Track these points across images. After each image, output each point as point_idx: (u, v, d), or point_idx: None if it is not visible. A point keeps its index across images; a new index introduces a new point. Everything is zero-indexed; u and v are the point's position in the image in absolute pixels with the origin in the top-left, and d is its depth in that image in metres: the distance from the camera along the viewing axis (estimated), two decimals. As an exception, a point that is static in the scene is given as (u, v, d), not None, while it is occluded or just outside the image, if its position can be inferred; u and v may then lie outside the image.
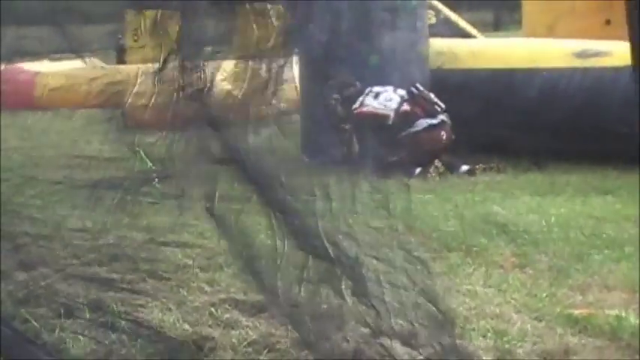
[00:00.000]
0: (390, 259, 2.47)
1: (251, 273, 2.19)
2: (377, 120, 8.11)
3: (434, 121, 8.07)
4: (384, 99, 8.18)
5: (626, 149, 7.45)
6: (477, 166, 7.91)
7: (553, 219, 5.78)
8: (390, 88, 8.25)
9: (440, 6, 14.70)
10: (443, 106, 8.15)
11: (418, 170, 7.79)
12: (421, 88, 8.24)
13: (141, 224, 5.75)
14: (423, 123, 8.05)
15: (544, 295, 4.30)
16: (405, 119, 8.08)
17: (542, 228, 5.56)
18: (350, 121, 8.23)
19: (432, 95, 8.22)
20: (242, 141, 2.08)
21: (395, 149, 8.02)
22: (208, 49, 2.49)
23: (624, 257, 4.88)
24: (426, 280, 2.49)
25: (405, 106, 8.11)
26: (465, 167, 7.90)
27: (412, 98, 8.15)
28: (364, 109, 8.20)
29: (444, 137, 8.05)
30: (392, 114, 8.09)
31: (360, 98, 8.23)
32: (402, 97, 8.17)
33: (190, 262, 4.91)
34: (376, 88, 8.26)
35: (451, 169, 7.88)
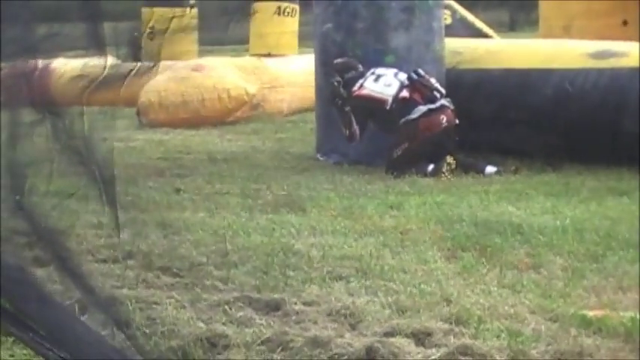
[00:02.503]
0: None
1: (66, 272, 2.13)
2: (374, 104, 8.09)
3: (433, 106, 8.01)
4: (384, 83, 8.14)
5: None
6: (512, 168, 7.78)
7: (568, 220, 5.77)
8: (391, 72, 8.21)
9: (456, 6, 14.68)
10: (443, 91, 8.10)
11: (431, 167, 7.75)
12: (422, 73, 8.15)
13: (155, 221, 5.78)
14: (421, 109, 8.00)
15: (558, 296, 4.29)
16: (403, 106, 8.02)
17: (556, 229, 5.54)
18: (349, 102, 8.22)
19: (432, 80, 8.16)
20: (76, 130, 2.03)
21: (397, 139, 7.99)
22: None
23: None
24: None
25: (404, 93, 8.05)
26: (491, 169, 7.79)
27: (411, 84, 8.08)
28: (363, 91, 8.17)
29: (444, 121, 7.96)
30: (390, 99, 8.05)
31: (361, 80, 8.22)
32: (401, 82, 8.11)
33: (205, 259, 4.92)
34: (378, 70, 8.23)
35: (470, 169, 7.77)
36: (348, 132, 8.24)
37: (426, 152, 7.88)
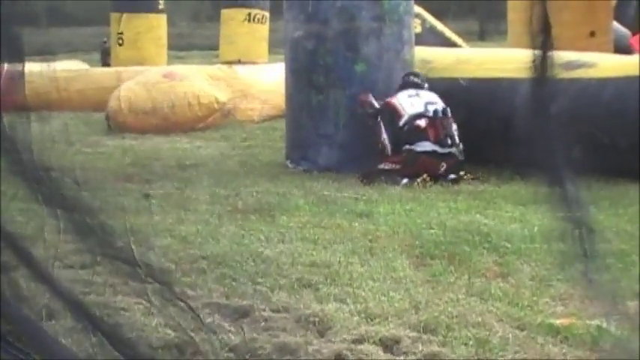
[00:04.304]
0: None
1: (37, 277, 2.12)
2: (394, 115, 8.13)
3: (440, 150, 7.98)
4: (412, 102, 8.17)
5: (610, 161, 7.49)
6: (465, 176, 7.87)
7: (535, 228, 5.80)
8: (427, 99, 8.22)
9: (426, 15, 14.77)
10: (457, 141, 8.06)
11: (405, 181, 7.76)
12: (449, 115, 8.13)
13: (123, 227, 5.73)
14: (428, 146, 7.97)
15: (526, 304, 4.32)
16: (414, 134, 8.04)
17: (524, 237, 5.58)
18: (380, 110, 8.26)
19: (454, 127, 8.11)
20: (18, 132, 2.02)
21: (392, 157, 8.02)
22: None
23: (605, 268, 4.89)
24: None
25: (421, 122, 8.07)
26: (451, 176, 7.88)
27: (433, 118, 8.07)
28: (392, 99, 8.22)
29: (444, 169, 7.90)
30: (405, 117, 8.09)
31: (400, 92, 8.27)
32: (425, 110, 8.11)
33: (173, 266, 4.90)
34: (422, 92, 8.29)
35: (438, 177, 7.82)
36: (380, 145, 8.19)
37: (409, 174, 7.86)
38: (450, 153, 8.01)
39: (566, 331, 3.89)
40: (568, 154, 1.97)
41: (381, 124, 8.19)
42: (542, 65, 1.85)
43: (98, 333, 2.14)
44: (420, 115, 8.09)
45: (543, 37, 1.79)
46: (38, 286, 2.17)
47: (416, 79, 8.44)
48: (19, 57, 2.07)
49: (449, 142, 8.03)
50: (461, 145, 8.10)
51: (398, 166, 7.94)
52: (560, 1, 11.46)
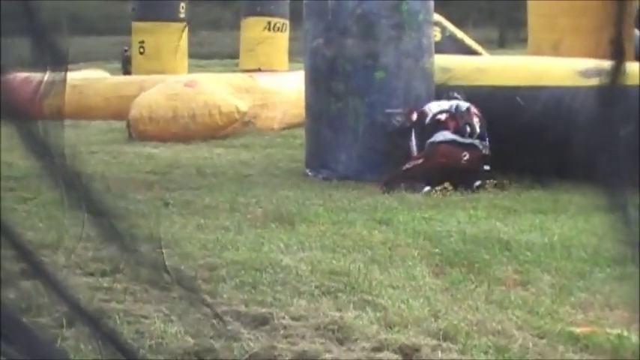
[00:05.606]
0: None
1: (48, 285, 2.11)
2: (422, 117, 8.22)
3: (459, 140, 8.01)
4: (439, 104, 8.27)
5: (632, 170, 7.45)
6: (488, 182, 7.87)
7: (555, 237, 5.79)
8: (462, 102, 8.31)
9: (445, 23, 14.76)
10: (478, 131, 8.08)
11: (426, 189, 7.74)
12: (473, 110, 8.19)
13: (143, 235, 5.76)
14: (448, 135, 8.03)
15: (546, 312, 4.30)
16: (435, 127, 8.11)
17: (544, 246, 5.56)
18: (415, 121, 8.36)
19: (475, 119, 8.14)
20: (52, 137, 2.02)
21: (415, 156, 8.06)
22: None
23: (626, 276, 4.88)
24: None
25: (442, 116, 8.15)
26: (477, 182, 7.87)
27: (455, 113, 8.15)
28: (424, 107, 8.33)
29: (466, 159, 7.93)
30: (430, 116, 8.16)
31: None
32: (450, 107, 8.21)
33: (193, 273, 4.91)
34: (453, 99, 8.37)
35: (464, 184, 7.81)
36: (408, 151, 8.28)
37: (432, 175, 7.86)
38: (472, 144, 8.02)
39: (587, 339, 3.88)
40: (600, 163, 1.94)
41: (412, 132, 8.24)
42: (612, 90, 1.85)
43: (107, 341, 2.14)
44: (442, 112, 8.17)
45: (616, 63, 1.79)
46: (46, 292, 2.18)
47: (452, 94, 8.52)
48: (61, 62, 2.08)
49: (467, 130, 8.04)
50: (487, 140, 8.11)
51: (420, 161, 7.97)
52: (581, 2, 11.44)
